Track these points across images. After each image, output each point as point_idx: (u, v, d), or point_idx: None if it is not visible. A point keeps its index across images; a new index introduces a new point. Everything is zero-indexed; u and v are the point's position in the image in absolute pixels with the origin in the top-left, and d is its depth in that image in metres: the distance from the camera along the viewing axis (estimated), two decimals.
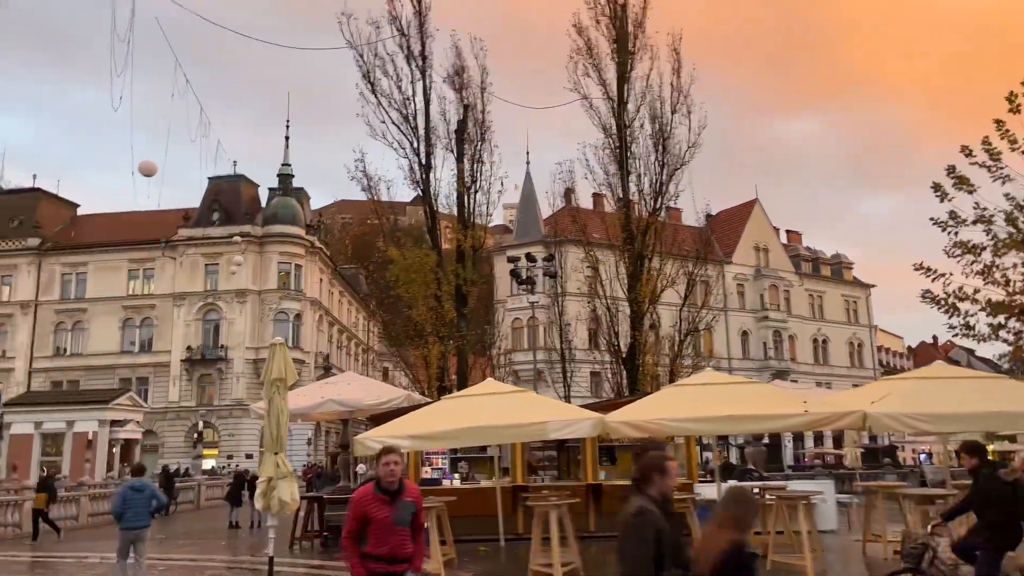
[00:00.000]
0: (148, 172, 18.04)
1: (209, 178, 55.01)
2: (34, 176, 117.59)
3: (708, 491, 12.92)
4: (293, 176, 58.44)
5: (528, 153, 61.70)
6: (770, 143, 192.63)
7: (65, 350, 55.50)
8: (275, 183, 58.19)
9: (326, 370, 53.18)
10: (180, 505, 29.39)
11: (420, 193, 24.13)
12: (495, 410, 10.77)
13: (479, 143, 24.66)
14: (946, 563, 7.24)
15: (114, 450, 41.03)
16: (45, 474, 23.37)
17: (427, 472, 16.13)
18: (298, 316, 54.18)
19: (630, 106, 25.69)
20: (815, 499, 11.13)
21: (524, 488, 14.56)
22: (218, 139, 22.41)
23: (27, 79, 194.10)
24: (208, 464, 49.73)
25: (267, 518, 10.96)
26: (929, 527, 7.62)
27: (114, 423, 40.77)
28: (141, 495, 10.40)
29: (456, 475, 16.19)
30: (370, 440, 10.66)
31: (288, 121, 58.42)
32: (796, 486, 12.92)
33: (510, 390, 12.23)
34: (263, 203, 57.60)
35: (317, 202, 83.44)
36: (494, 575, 11.92)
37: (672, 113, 25.61)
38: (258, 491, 10.90)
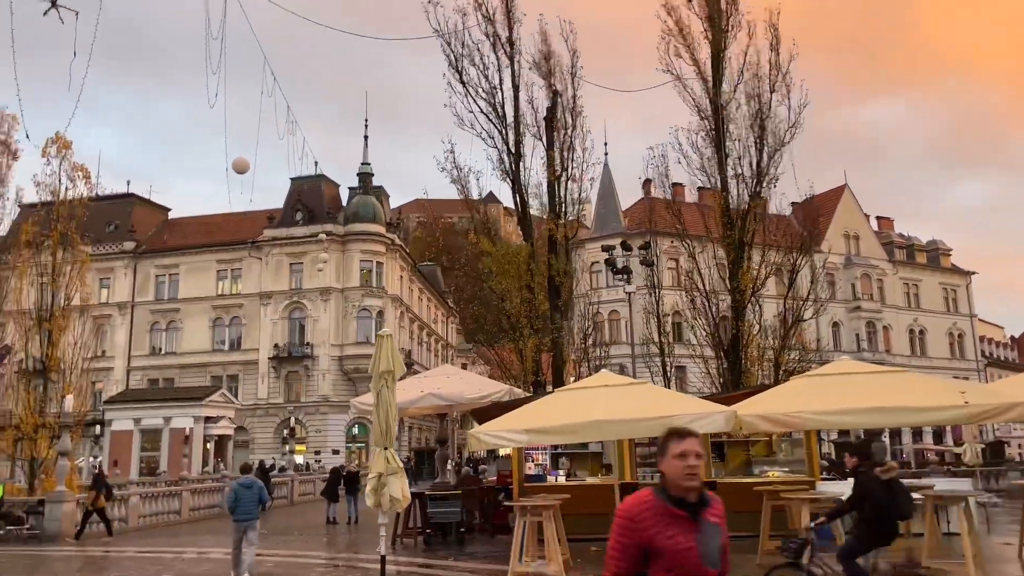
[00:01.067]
0: (241, 169, 18.17)
1: (291, 179, 55.95)
2: (128, 182, 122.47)
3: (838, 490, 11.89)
4: (372, 175, 58.99)
5: (606, 144, 60.40)
6: (858, 127, 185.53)
7: (160, 349, 57.45)
8: (355, 182, 58.85)
9: (408, 366, 53.41)
10: (275, 500, 29.72)
11: (511, 183, 23.61)
12: (615, 403, 10.15)
13: (570, 129, 24.01)
14: (823, 559, 7.69)
15: (208, 446, 42.10)
16: (97, 470, 21.95)
17: (529, 468, 15.60)
18: (380, 313, 54.55)
19: (725, 86, 24.57)
20: (976, 498, 10.05)
21: (634, 485, 13.88)
22: (303, 136, 22.40)
23: (119, 88, 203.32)
24: (298, 460, 50.64)
25: (378, 515, 10.61)
26: (812, 523, 7.92)
27: (208, 419, 41.80)
28: (250, 491, 11.33)
29: (560, 471, 15.61)
30: (485, 434, 10.18)
31: (367, 121, 59.00)
32: (942, 485, 11.79)
33: (627, 382, 11.58)
34: (344, 202, 58.37)
35: (394, 201, 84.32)
36: None
37: (771, 92, 24.36)
38: (368, 487, 10.62)
